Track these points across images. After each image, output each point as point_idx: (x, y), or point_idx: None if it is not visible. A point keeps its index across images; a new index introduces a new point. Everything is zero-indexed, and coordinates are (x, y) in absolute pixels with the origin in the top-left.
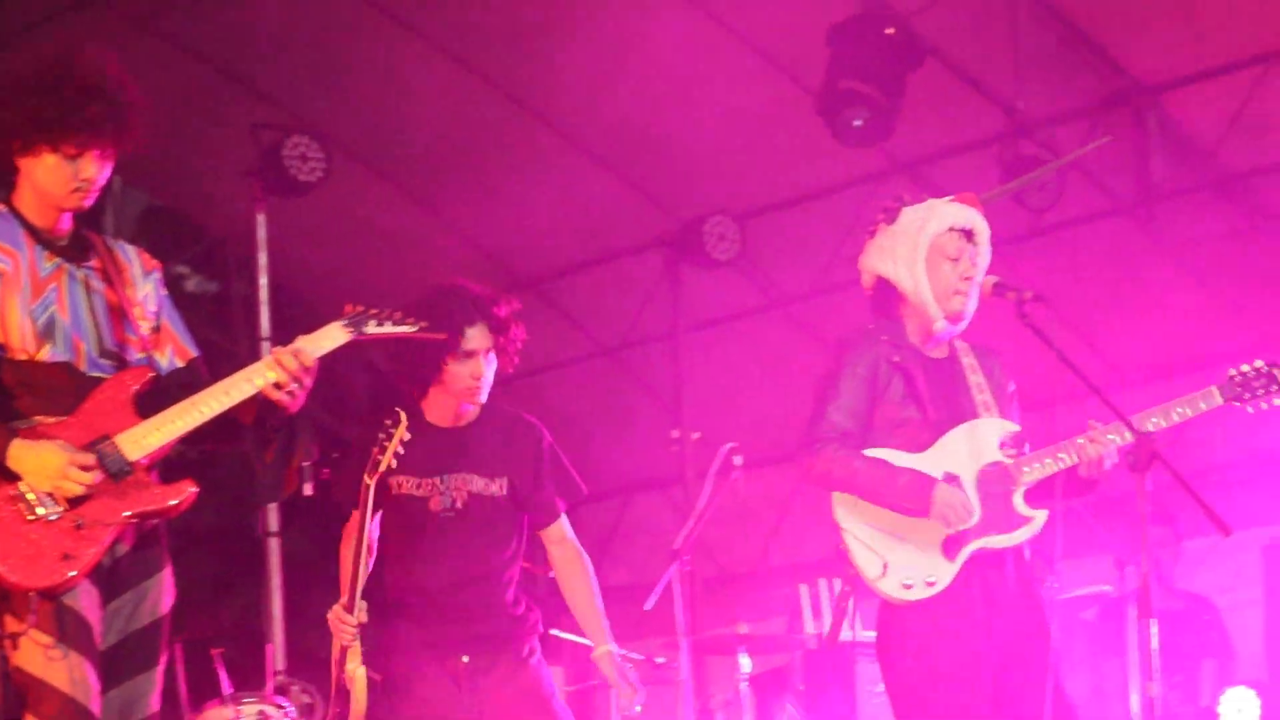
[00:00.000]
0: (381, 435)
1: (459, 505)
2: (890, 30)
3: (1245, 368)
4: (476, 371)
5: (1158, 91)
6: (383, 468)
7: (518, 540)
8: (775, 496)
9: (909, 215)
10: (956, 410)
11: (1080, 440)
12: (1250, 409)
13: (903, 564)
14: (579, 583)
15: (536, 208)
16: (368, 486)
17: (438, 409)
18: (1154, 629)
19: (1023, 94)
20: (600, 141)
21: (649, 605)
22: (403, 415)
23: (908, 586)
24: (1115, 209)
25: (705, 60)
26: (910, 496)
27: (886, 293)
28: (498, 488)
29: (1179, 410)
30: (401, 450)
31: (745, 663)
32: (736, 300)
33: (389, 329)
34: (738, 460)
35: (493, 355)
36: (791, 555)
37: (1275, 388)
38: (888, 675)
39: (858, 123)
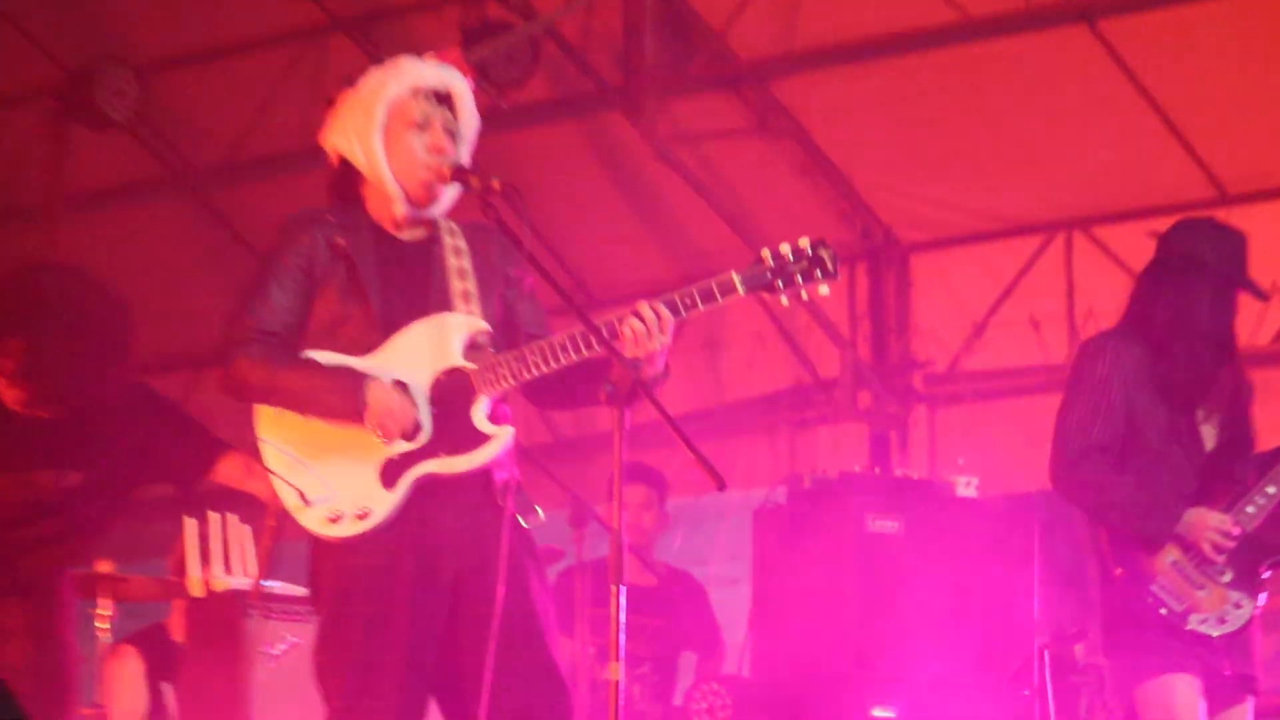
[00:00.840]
0: None
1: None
2: None
3: (784, 248)
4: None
5: None
6: None
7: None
8: None
9: (370, 79)
10: (420, 304)
11: (562, 340)
12: (784, 299)
13: (330, 492)
14: None
15: None
16: None
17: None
18: (623, 598)
19: None
20: None
21: None
22: None
23: (334, 520)
24: (599, 94)
25: None
26: (339, 400)
27: (346, 171)
28: (79, 479)
29: (686, 299)
30: None
31: (105, 610)
32: (131, 171)
33: None
34: None
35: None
36: None
37: (818, 272)
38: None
39: None
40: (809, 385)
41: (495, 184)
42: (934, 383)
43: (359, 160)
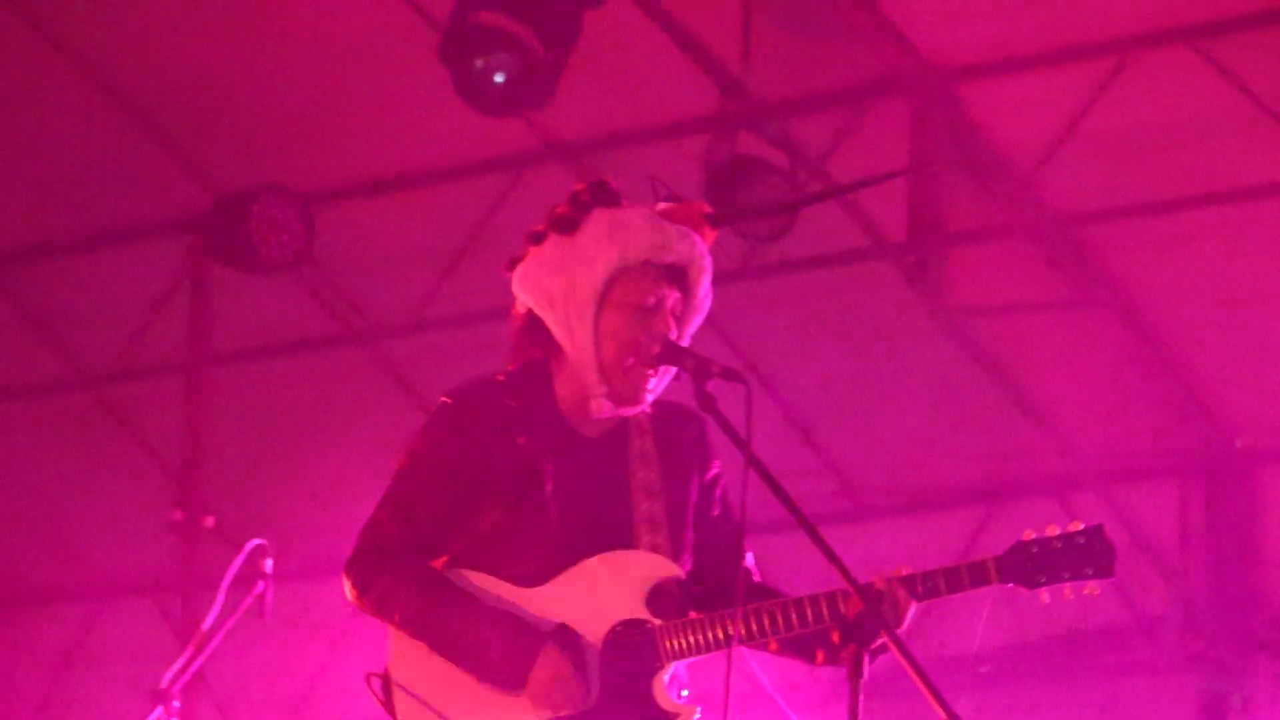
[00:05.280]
0: None
1: None
2: None
3: (1051, 532)
4: None
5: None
6: None
7: None
8: (322, 622)
9: (595, 224)
10: (603, 525)
11: (789, 606)
12: (1045, 596)
13: None
14: None
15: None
16: None
17: None
18: None
19: (755, 63)
20: (116, 72)
21: None
22: None
23: None
24: (874, 250)
25: None
26: (500, 659)
27: (537, 334)
28: None
29: (929, 583)
30: None
31: None
32: (293, 322)
33: None
34: (269, 564)
35: None
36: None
37: (1089, 570)
38: None
39: (499, 77)
40: (1125, 623)
41: (714, 367)
42: None
43: (561, 334)
